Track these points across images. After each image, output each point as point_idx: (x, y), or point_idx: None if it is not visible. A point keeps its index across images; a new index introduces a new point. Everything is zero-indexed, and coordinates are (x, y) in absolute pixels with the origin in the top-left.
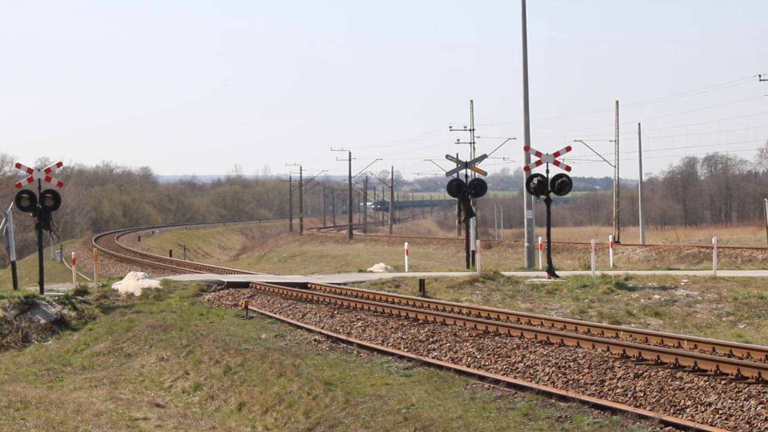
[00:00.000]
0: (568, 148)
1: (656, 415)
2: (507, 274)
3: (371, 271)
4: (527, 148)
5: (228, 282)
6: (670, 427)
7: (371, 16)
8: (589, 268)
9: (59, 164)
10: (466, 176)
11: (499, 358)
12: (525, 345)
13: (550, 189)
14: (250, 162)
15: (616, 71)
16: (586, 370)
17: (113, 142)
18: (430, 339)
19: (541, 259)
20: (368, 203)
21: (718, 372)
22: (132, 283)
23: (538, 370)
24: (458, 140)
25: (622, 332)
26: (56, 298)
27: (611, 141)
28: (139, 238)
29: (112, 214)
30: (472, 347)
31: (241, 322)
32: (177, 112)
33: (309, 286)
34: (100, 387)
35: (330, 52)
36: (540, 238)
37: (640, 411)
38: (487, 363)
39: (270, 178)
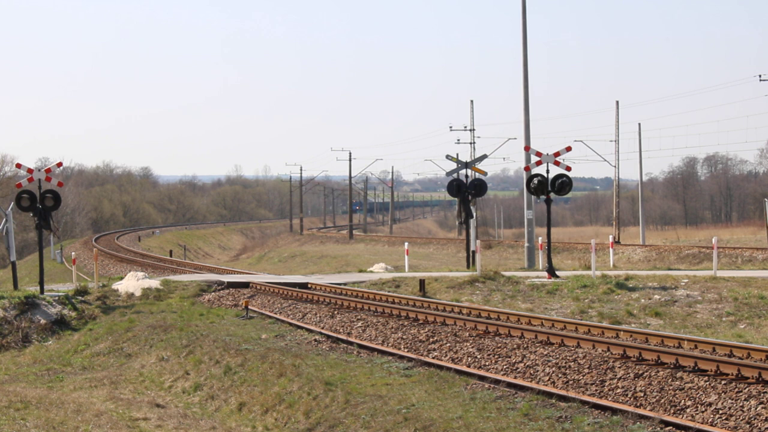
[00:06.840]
0: (568, 148)
1: (656, 415)
2: (507, 274)
3: (371, 271)
4: (527, 148)
5: (228, 282)
6: (671, 427)
7: (372, 17)
8: (589, 268)
9: (59, 164)
10: (467, 176)
11: (500, 358)
12: (525, 345)
13: (550, 189)
14: (250, 162)
15: (617, 71)
16: (586, 370)
17: (113, 142)
18: (431, 339)
19: (541, 259)
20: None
21: (718, 372)
22: (132, 283)
23: (538, 370)
24: (458, 140)
25: (622, 332)
26: (56, 298)
27: (611, 141)
28: (139, 239)
29: (112, 214)
30: (473, 347)
31: (241, 322)
32: (177, 113)
33: (309, 286)
34: (101, 387)
35: (330, 52)
36: (540, 238)
37: (641, 411)
38: (487, 363)
39: (270, 178)
